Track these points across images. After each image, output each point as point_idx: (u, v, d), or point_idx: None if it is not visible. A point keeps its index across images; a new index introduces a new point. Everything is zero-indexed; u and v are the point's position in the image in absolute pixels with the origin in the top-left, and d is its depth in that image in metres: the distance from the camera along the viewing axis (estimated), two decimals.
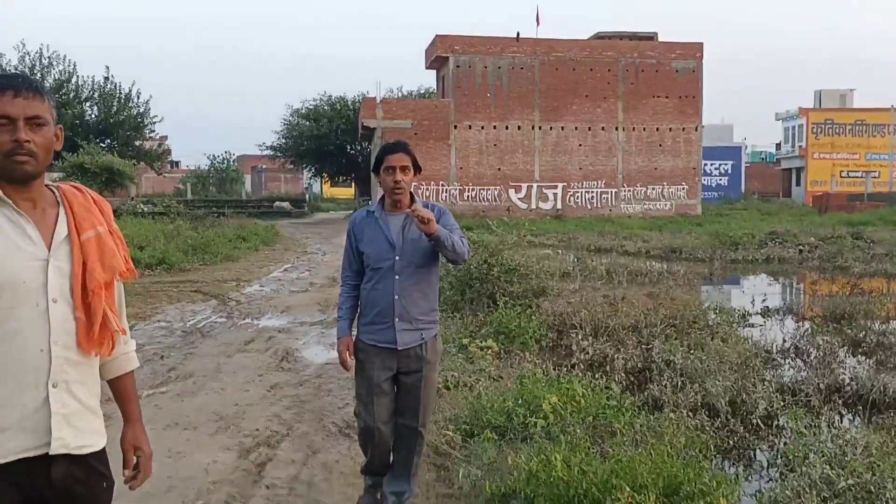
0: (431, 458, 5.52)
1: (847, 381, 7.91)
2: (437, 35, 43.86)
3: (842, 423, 6.66)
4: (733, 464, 6.03)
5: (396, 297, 4.29)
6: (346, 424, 6.52)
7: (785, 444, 5.97)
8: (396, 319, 4.30)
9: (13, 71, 42.11)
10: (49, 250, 2.35)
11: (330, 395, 7.49)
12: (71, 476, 2.38)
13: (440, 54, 43.45)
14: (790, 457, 5.43)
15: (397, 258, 4.30)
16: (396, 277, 4.30)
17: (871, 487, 4.62)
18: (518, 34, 43.89)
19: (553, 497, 3.97)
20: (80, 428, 2.40)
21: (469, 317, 10.29)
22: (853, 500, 4.57)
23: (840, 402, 7.36)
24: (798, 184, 63.67)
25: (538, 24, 46.73)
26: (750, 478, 5.66)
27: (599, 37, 47.33)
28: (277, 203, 55.73)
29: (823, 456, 5.24)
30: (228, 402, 7.28)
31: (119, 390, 2.66)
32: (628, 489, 3.68)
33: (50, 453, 2.32)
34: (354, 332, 4.56)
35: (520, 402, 5.92)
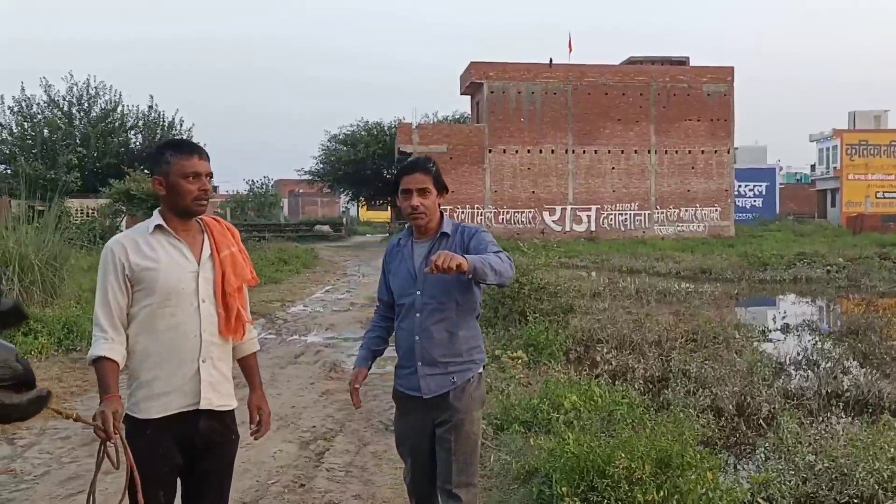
0: None
1: (847, 387, 8.61)
2: (471, 62, 44.99)
3: (834, 422, 7.38)
4: (737, 455, 6.81)
5: (417, 337, 3.79)
6: (391, 422, 7.36)
7: (780, 437, 6.70)
8: (419, 363, 3.79)
9: (61, 101, 43.31)
10: (198, 265, 3.31)
11: (376, 399, 8.34)
12: (212, 428, 3.31)
13: (475, 80, 44.52)
14: (782, 447, 6.19)
15: (418, 293, 3.80)
16: (417, 315, 3.79)
17: (845, 469, 5.37)
18: (551, 60, 44.91)
19: (566, 470, 4.80)
20: (221, 392, 3.34)
21: (501, 331, 11.12)
22: (829, 480, 5.33)
23: (840, 405, 8.09)
24: (833, 205, 63.76)
25: (570, 50, 47.54)
26: (747, 466, 6.44)
27: (631, 62, 48.16)
28: (318, 226, 57.04)
29: (810, 445, 6.02)
30: (286, 405, 8.17)
31: (246, 366, 3.61)
32: (625, 457, 4.51)
33: (200, 408, 3.25)
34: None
35: (544, 400, 6.75)
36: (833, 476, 5.35)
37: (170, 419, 3.21)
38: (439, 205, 3.89)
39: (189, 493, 3.35)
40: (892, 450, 5.61)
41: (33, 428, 7.15)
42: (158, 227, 3.29)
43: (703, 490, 4.51)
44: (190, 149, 3.33)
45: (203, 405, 3.26)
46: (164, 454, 3.19)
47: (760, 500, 4.92)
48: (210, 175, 3.35)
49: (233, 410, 3.43)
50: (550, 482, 4.92)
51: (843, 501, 5.18)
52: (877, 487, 5.18)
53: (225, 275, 3.34)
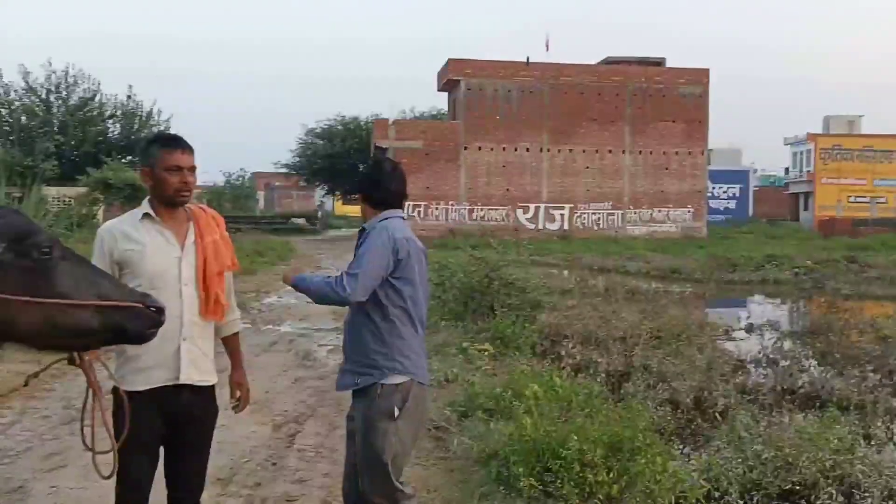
0: (431, 432, 6.63)
1: (801, 384, 8.96)
2: (449, 59, 45.21)
3: (785, 416, 7.70)
4: (691, 446, 7.12)
5: (345, 331, 3.94)
6: None
7: (733, 429, 7.02)
8: (343, 357, 3.93)
9: (39, 88, 43.05)
10: (182, 251, 3.56)
11: None
12: (193, 402, 3.57)
13: (452, 77, 44.75)
14: (734, 438, 6.50)
15: None
16: (349, 310, 3.92)
17: (790, 458, 5.69)
18: (528, 59, 45.19)
19: (524, 453, 5.09)
20: (201, 368, 3.59)
21: (470, 324, 11.41)
22: (774, 468, 5.65)
23: (794, 401, 8.43)
24: (806, 208, 64.38)
25: (548, 49, 47.98)
26: (700, 456, 6.74)
27: (608, 62, 48.47)
28: (293, 220, 57.15)
29: (760, 437, 6.34)
30: (259, 390, 8.36)
31: (228, 345, 3.90)
32: (578, 441, 4.80)
33: (180, 382, 3.51)
34: None
35: (507, 389, 7.04)
36: (778, 465, 5.67)
37: (153, 392, 3.47)
38: (377, 206, 3.93)
39: (171, 460, 3.62)
40: (835, 441, 5.95)
41: (14, 407, 7.37)
42: (146, 215, 3.55)
43: (652, 473, 4.82)
44: (174, 143, 3.58)
45: (183, 380, 3.51)
46: (147, 423, 3.44)
47: (702, 482, 5.22)
48: (193, 168, 3.58)
49: (213, 386, 3.68)
50: (509, 464, 5.20)
51: (786, 488, 5.51)
52: (819, 476, 5.51)
53: (206, 260, 3.58)
